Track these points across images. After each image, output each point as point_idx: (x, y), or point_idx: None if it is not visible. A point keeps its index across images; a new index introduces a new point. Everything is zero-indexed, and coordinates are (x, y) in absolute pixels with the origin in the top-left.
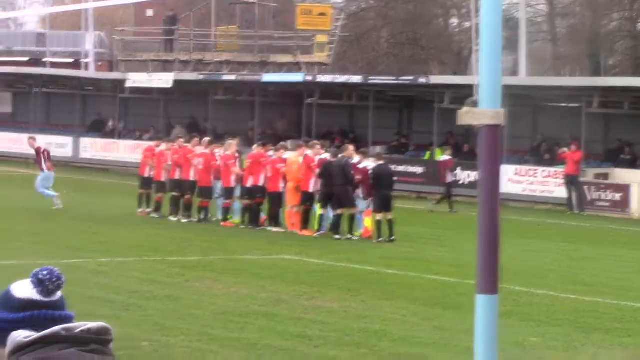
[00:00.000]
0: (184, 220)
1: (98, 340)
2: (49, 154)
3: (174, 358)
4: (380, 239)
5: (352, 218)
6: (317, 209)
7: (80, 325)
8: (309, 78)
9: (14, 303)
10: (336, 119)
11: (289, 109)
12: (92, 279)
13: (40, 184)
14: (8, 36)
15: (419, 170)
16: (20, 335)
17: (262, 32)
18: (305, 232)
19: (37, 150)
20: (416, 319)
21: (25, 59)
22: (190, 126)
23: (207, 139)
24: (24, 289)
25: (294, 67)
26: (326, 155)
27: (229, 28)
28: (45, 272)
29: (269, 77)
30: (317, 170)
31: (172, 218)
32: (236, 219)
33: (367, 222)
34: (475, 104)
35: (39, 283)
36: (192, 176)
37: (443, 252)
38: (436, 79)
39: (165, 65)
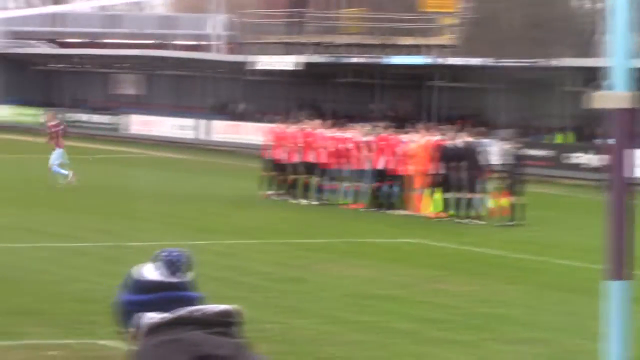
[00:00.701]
0: (313, 203)
1: (224, 322)
2: (64, 131)
3: (299, 340)
4: (508, 223)
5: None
6: (438, 193)
7: (207, 308)
8: (432, 60)
9: (142, 285)
10: (459, 102)
11: (412, 91)
12: (220, 260)
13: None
14: (136, 19)
15: (542, 153)
16: (154, 317)
17: (387, 15)
18: (429, 214)
19: (55, 126)
20: (541, 303)
21: (152, 41)
22: (312, 109)
23: (330, 121)
24: (152, 271)
25: (418, 49)
26: (443, 138)
27: (355, 10)
28: (174, 254)
29: (391, 60)
30: (437, 154)
31: (299, 200)
32: (362, 201)
33: (493, 203)
34: (605, 87)
35: (167, 264)
36: (317, 159)
37: (569, 237)
38: (561, 62)
39: (290, 48)
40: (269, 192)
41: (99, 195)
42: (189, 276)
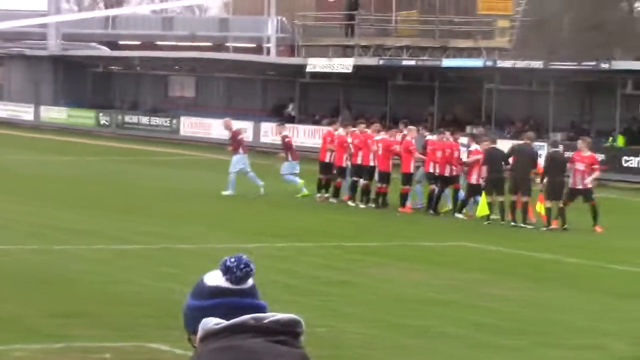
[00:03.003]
0: (362, 206)
1: (287, 332)
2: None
3: (348, 344)
4: (551, 227)
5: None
6: (491, 196)
7: (269, 316)
8: (489, 63)
9: (205, 291)
10: (516, 105)
11: (469, 94)
12: (271, 263)
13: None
14: (192, 22)
15: (599, 157)
16: (210, 322)
17: (443, 17)
18: (483, 217)
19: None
20: (595, 308)
21: (209, 44)
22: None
23: (377, 124)
24: (213, 277)
25: (474, 52)
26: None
27: (409, 13)
28: (232, 260)
29: (448, 62)
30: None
31: (351, 203)
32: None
33: (540, 208)
34: None
35: (227, 271)
36: (371, 161)
37: (625, 241)
38: (619, 64)
39: (345, 50)
40: (326, 195)
41: (152, 197)
42: (250, 283)
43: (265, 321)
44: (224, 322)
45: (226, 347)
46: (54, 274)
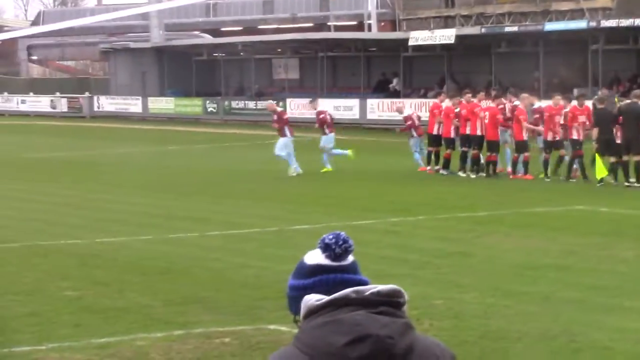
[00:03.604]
0: (472, 176)
1: (388, 302)
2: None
3: (467, 315)
4: None
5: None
6: (605, 158)
7: (370, 288)
8: (593, 24)
9: (305, 270)
10: (623, 64)
11: (574, 56)
12: (384, 239)
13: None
14: (292, 3)
15: None
16: (312, 299)
17: None
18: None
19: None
20: None
21: (310, 24)
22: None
23: (482, 93)
24: (313, 256)
25: (577, 13)
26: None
27: None
28: (331, 237)
29: (551, 26)
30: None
31: (461, 174)
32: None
33: None
34: None
35: (326, 247)
36: (479, 130)
37: None
38: None
39: (446, 21)
40: (436, 167)
41: (261, 180)
42: (350, 259)
43: (366, 293)
44: (322, 297)
45: (329, 322)
46: (170, 262)
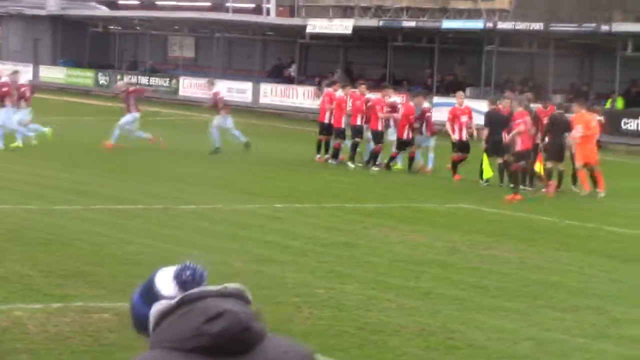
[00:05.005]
0: (351, 165)
1: (237, 295)
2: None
3: (347, 306)
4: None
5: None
6: (492, 158)
7: (217, 286)
8: (490, 25)
9: (158, 298)
10: (516, 67)
11: (468, 56)
12: (268, 224)
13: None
14: None
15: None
16: (162, 304)
17: None
18: (484, 179)
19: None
20: (594, 270)
21: (208, 4)
22: (347, 72)
23: (362, 84)
24: (167, 286)
25: (475, 13)
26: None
27: None
28: (188, 273)
29: (448, 24)
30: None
31: (350, 164)
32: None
33: (539, 168)
34: None
35: (182, 285)
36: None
37: (620, 204)
38: (619, 26)
39: (345, 11)
40: (326, 156)
41: (149, 157)
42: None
43: (215, 289)
44: (171, 302)
45: (185, 312)
46: (52, 233)
